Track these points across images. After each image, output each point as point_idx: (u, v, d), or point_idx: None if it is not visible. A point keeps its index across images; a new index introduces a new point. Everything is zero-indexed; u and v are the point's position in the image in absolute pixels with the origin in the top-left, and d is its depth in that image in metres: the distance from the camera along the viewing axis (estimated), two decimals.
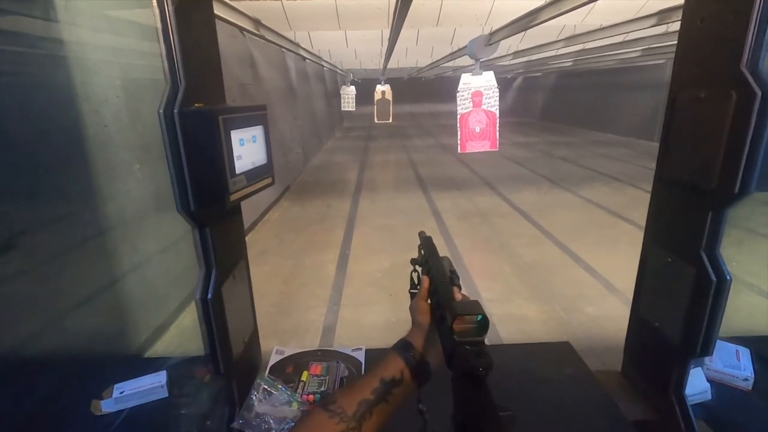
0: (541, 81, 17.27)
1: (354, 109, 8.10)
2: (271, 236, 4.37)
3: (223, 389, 1.11)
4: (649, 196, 1.15)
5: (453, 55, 6.66)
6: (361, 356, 1.34)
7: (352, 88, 7.96)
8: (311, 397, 1.16)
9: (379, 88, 6.78)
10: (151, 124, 0.86)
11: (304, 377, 1.24)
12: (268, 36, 4.46)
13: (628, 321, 1.30)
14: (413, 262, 0.85)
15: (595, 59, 8.29)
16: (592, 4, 2.99)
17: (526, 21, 3.46)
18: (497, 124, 2.70)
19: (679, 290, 1.04)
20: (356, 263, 3.63)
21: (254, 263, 1.24)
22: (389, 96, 6.82)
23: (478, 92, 2.67)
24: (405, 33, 4.09)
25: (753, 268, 1.50)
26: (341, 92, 8.10)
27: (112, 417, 1.13)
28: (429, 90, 17.79)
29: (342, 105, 8.15)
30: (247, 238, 1.21)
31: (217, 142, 0.87)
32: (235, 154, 0.92)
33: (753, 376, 1.20)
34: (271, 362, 1.32)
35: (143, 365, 1.29)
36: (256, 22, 4.03)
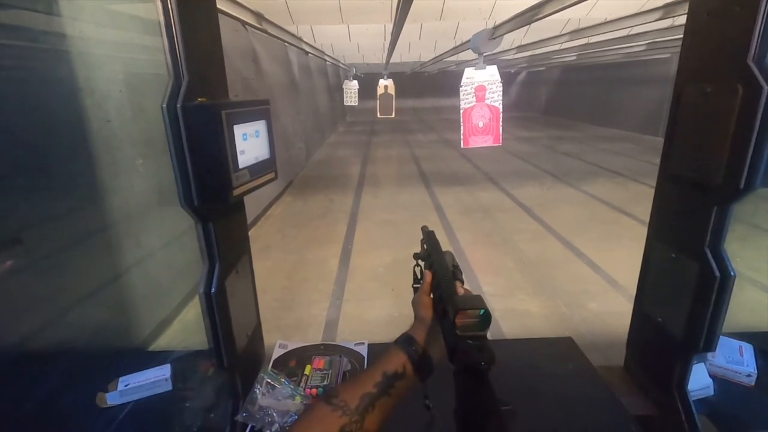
0: (544, 75, 17.15)
1: (357, 103, 8.09)
2: (273, 231, 4.38)
3: (226, 383, 1.12)
4: (653, 191, 1.15)
5: (456, 50, 6.61)
6: (363, 351, 1.35)
7: (355, 82, 7.95)
8: (314, 390, 1.16)
9: (382, 82, 6.77)
10: (154, 119, 0.86)
11: (307, 371, 1.24)
12: (271, 30, 4.43)
13: (630, 317, 1.30)
14: (416, 256, 0.85)
15: (600, 53, 8.22)
16: None
17: (530, 15, 3.43)
18: (500, 119, 2.69)
19: (682, 286, 1.04)
20: (359, 258, 3.64)
21: (257, 258, 1.24)
22: (392, 91, 6.80)
23: (482, 87, 2.65)
24: (408, 27, 4.07)
25: (757, 264, 1.49)
26: (344, 87, 8.09)
27: (117, 409, 1.14)
28: (432, 84, 17.70)
29: (345, 100, 8.15)
30: (249, 233, 1.22)
31: (220, 137, 0.87)
32: (238, 148, 0.92)
33: (756, 371, 1.20)
34: (275, 356, 1.33)
35: (148, 358, 1.31)
36: (259, 16, 4.02)
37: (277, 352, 1.34)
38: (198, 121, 0.84)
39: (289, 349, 1.36)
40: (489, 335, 0.55)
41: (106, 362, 1.37)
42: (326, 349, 1.36)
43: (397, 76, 7.46)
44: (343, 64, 10.44)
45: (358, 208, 5.16)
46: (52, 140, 1.50)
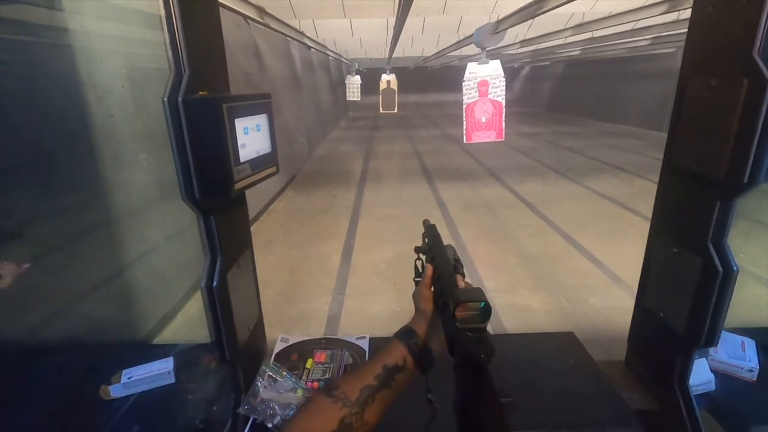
0: (548, 70, 17.04)
1: (359, 98, 8.07)
2: (276, 226, 4.39)
3: (228, 375, 1.13)
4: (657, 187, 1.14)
5: (459, 44, 6.58)
6: (365, 344, 1.35)
7: (357, 77, 7.92)
8: (315, 384, 1.17)
9: (385, 77, 6.74)
10: (156, 113, 0.86)
11: (308, 365, 1.25)
12: (273, 24, 4.42)
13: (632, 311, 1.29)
14: (417, 250, 0.85)
15: (604, 48, 8.16)
16: None
17: (534, 9, 3.40)
18: (503, 114, 2.67)
19: (684, 281, 1.04)
20: (361, 253, 3.64)
21: (259, 253, 1.25)
22: (394, 85, 6.77)
23: (485, 81, 2.64)
24: (410, 21, 4.05)
25: (761, 260, 1.48)
26: (346, 82, 8.06)
27: (120, 402, 1.15)
28: (435, 79, 17.62)
29: (347, 95, 8.12)
30: (252, 228, 1.22)
31: (221, 131, 0.87)
32: (240, 142, 0.92)
33: (758, 367, 1.19)
34: (276, 350, 1.33)
35: (151, 351, 1.31)
36: (261, 10, 4.00)
37: (278, 346, 1.35)
38: (199, 115, 0.84)
39: (290, 343, 1.37)
40: (491, 330, 0.55)
41: (110, 355, 1.39)
42: (328, 343, 1.37)
43: (399, 71, 7.42)
44: (345, 59, 10.41)
45: (361, 203, 5.16)
46: (56, 135, 1.51)
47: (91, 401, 1.16)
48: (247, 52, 4.15)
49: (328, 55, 9.73)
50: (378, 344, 1.35)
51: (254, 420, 1.03)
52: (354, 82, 7.91)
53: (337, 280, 3.15)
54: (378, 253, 3.60)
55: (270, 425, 1.01)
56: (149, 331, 1.88)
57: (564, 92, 16.13)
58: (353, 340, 1.37)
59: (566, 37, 5.78)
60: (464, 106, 2.68)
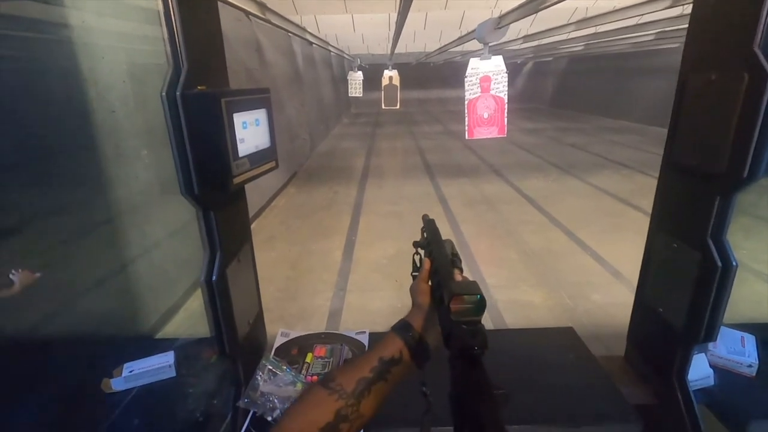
0: (551, 66, 16.95)
1: (361, 94, 8.06)
2: (277, 222, 4.40)
3: (228, 369, 1.14)
4: None
5: (461, 40, 6.55)
6: (364, 339, 1.36)
7: (360, 73, 7.90)
8: (315, 378, 1.18)
9: (387, 73, 6.72)
10: (157, 108, 0.86)
11: (308, 359, 1.26)
12: (274, 20, 4.41)
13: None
14: (416, 244, 0.85)
15: (608, 43, 8.10)
16: None
17: (537, 3, 3.38)
18: (506, 110, 2.66)
19: (684, 276, 1.03)
20: (362, 249, 3.65)
21: (261, 249, 1.25)
22: (397, 81, 6.76)
23: (487, 77, 2.63)
24: (413, 16, 4.03)
25: (761, 255, 1.48)
26: (348, 78, 8.05)
27: (121, 395, 1.17)
28: (437, 75, 17.57)
29: (349, 91, 8.11)
30: (254, 225, 1.22)
31: (219, 125, 0.87)
32: (238, 137, 0.92)
33: (758, 362, 1.19)
34: (277, 344, 1.34)
35: (153, 346, 1.33)
36: (262, 6, 3.99)
37: (279, 340, 1.36)
38: (197, 109, 0.84)
39: (291, 337, 1.38)
40: (492, 325, 0.55)
41: (113, 349, 1.40)
42: (327, 338, 1.37)
43: (401, 67, 7.40)
44: (347, 54, 10.39)
45: (362, 199, 5.16)
46: (58, 131, 1.51)
47: (93, 394, 1.17)
48: (248, 48, 4.14)
49: (330, 51, 9.71)
50: (378, 339, 1.35)
51: (254, 413, 1.04)
52: (356, 78, 7.89)
53: (339, 276, 3.16)
54: (379, 249, 3.60)
55: (269, 418, 1.02)
56: (153, 325, 1.89)
57: (567, 88, 16.05)
58: (353, 335, 1.38)
59: (569, 32, 5.74)
60: (466, 102, 2.67)
